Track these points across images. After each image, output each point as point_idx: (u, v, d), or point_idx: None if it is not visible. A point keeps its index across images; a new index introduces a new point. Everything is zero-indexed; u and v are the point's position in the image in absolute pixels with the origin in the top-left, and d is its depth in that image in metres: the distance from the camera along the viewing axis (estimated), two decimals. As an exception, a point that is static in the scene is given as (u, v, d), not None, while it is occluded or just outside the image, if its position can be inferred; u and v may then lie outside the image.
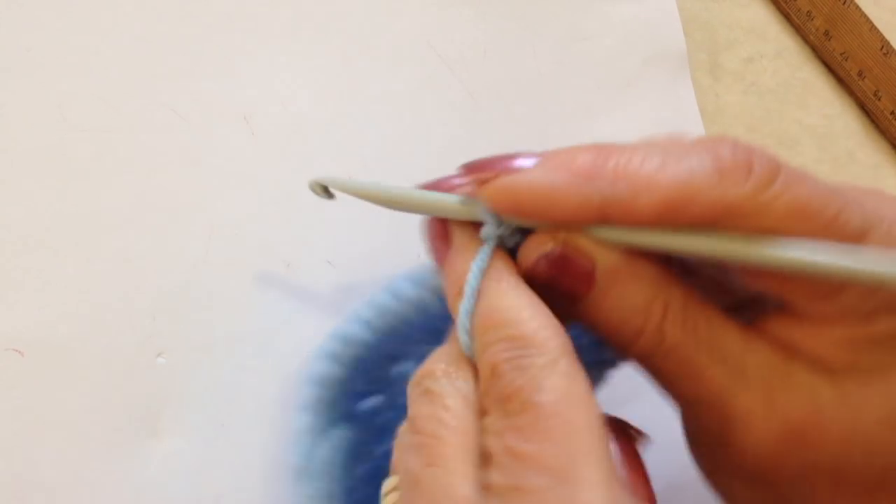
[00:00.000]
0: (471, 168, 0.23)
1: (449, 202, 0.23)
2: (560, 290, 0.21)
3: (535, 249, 0.21)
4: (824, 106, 0.41)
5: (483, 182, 0.21)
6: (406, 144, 0.35)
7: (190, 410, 0.30)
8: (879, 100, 0.40)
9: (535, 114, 0.37)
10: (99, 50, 0.32)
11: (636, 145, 0.21)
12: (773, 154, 0.20)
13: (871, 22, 0.41)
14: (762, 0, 0.41)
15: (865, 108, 0.41)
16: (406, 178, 0.34)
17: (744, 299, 0.23)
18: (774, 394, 0.20)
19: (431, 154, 0.35)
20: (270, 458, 0.31)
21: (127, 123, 0.32)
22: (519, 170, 0.21)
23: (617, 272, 0.21)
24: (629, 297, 0.21)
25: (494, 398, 0.19)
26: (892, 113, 0.40)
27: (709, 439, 0.22)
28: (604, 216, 0.20)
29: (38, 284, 0.30)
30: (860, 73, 0.41)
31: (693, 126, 0.39)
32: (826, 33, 0.41)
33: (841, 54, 0.41)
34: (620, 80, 0.38)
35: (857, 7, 0.41)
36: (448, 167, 0.35)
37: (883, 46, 0.41)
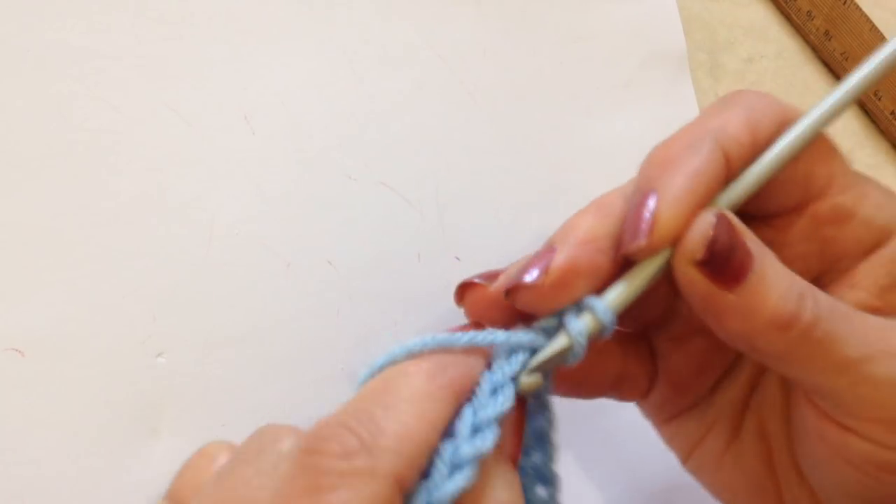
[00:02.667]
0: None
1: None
2: (721, 273, 0.20)
3: (702, 233, 0.20)
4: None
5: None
6: (406, 144, 0.35)
7: (190, 410, 0.30)
8: (879, 100, 0.40)
9: (535, 114, 0.37)
10: (99, 50, 0.32)
11: None
12: None
13: (871, 22, 0.41)
14: (762, 0, 0.41)
15: (865, 108, 0.41)
16: (406, 177, 0.34)
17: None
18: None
19: (431, 154, 0.35)
20: (270, 458, 0.31)
21: (127, 123, 0.32)
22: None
23: (770, 256, 0.20)
24: (784, 282, 0.20)
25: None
26: (892, 113, 0.40)
27: (837, 408, 0.21)
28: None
29: (38, 284, 0.30)
30: (860, 73, 0.41)
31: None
32: (826, 33, 0.41)
33: (841, 54, 0.41)
34: (620, 80, 0.38)
35: (858, 7, 0.41)
36: (448, 167, 0.35)
37: (883, 46, 0.41)
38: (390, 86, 0.35)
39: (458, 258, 0.34)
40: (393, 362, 0.20)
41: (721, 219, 0.20)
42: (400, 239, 0.34)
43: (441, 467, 0.17)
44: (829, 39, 0.41)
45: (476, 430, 0.18)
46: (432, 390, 0.18)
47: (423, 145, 0.35)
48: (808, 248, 0.23)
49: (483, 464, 0.17)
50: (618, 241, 0.21)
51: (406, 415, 0.17)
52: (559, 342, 0.20)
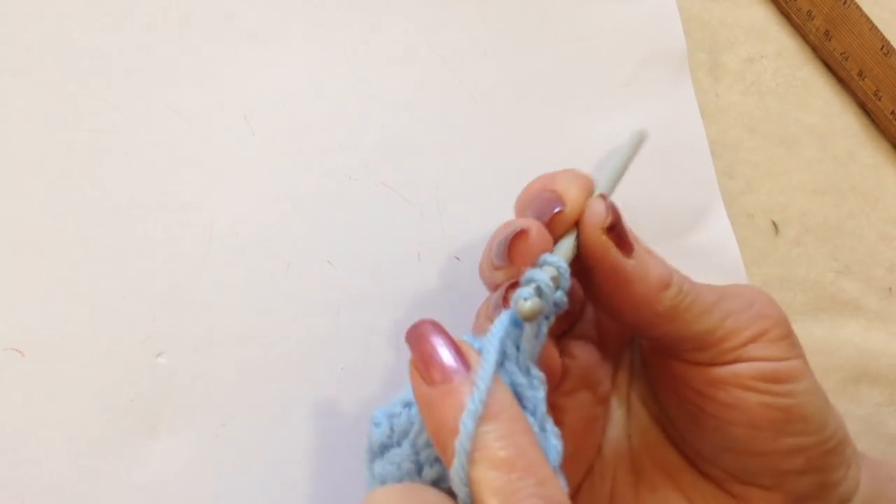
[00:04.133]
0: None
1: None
2: (621, 241, 0.24)
3: (598, 222, 0.24)
4: (824, 106, 0.41)
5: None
6: (406, 144, 0.35)
7: (190, 410, 0.30)
8: (879, 100, 0.40)
9: (535, 114, 0.37)
10: (99, 50, 0.32)
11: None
12: None
13: (871, 22, 0.41)
14: (762, 0, 0.41)
15: (865, 108, 0.41)
16: (406, 177, 0.34)
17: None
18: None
19: (431, 154, 0.35)
20: (270, 457, 0.31)
21: (127, 123, 0.32)
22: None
23: (643, 244, 0.25)
24: (657, 259, 0.25)
25: None
26: (892, 113, 0.40)
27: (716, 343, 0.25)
28: None
29: (38, 284, 0.30)
30: (860, 73, 0.41)
31: (693, 126, 0.39)
32: (826, 33, 0.41)
33: (841, 54, 0.41)
34: (620, 80, 0.38)
35: (858, 7, 0.41)
36: (448, 167, 0.35)
37: (883, 46, 0.41)
38: (390, 86, 0.35)
39: (458, 258, 0.34)
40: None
41: (606, 198, 0.25)
42: (400, 239, 0.34)
43: None
44: (829, 39, 0.41)
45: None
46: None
47: (423, 145, 0.35)
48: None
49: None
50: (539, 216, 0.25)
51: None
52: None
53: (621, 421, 0.28)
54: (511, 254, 0.24)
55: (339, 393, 0.32)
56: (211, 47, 0.34)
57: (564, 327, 0.28)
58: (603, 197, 0.25)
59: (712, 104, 0.39)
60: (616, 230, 0.24)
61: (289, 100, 0.34)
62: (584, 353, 0.27)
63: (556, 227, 0.24)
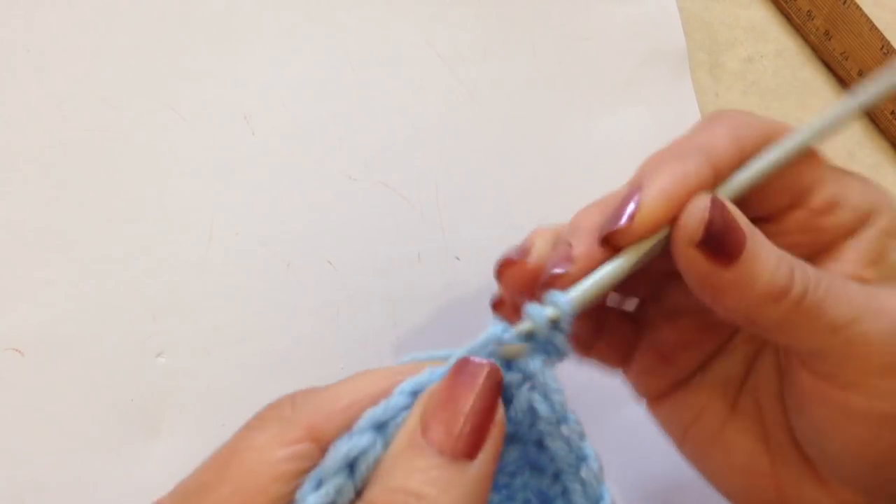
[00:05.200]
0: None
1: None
2: (718, 253, 0.21)
3: (697, 216, 0.21)
4: (824, 106, 0.41)
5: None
6: (406, 144, 0.35)
7: (190, 410, 0.30)
8: (879, 100, 0.40)
9: (535, 114, 0.37)
10: (99, 50, 0.32)
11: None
12: None
13: (871, 22, 0.41)
14: (762, 0, 0.41)
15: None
16: (406, 177, 0.34)
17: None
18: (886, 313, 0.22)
19: (431, 154, 0.35)
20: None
21: (127, 123, 0.32)
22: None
23: (760, 235, 0.22)
24: (774, 258, 0.22)
25: None
26: (892, 113, 0.40)
27: (832, 372, 0.22)
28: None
29: (38, 284, 0.30)
30: (860, 73, 0.41)
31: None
32: (826, 33, 0.41)
33: (841, 54, 0.41)
34: (620, 80, 0.38)
35: (858, 7, 0.41)
36: (448, 167, 0.35)
37: (883, 46, 0.41)
38: (390, 86, 0.35)
39: (457, 258, 0.34)
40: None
41: (715, 201, 0.21)
42: (400, 239, 0.34)
43: (361, 423, 0.19)
44: (829, 39, 0.41)
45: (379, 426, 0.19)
46: (380, 382, 0.20)
47: (423, 145, 0.35)
48: (802, 238, 0.24)
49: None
50: (600, 227, 0.23)
51: (342, 390, 0.20)
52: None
53: (744, 356, 0.26)
54: (500, 276, 0.23)
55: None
56: (211, 47, 0.34)
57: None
58: (710, 199, 0.21)
59: (712, 104, 0.39)
60: (713, 242, 0.21)
61: (289, 100, 0.34)
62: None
63: (617, 241, 0.22)
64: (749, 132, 0.24)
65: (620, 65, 0.38)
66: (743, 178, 0.23)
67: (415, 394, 0.20)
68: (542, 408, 0.21)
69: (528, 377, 0.21)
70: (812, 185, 0.24)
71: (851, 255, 0.24)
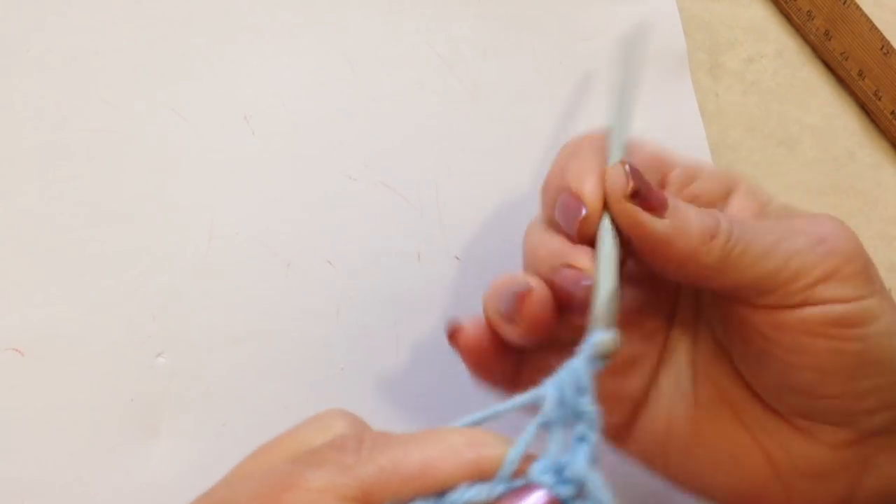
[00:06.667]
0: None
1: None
2: (648, 205, 0.23)
3: (620, 177, 0.23)
4: (824, 106, 0.41)
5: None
6: (406, 144, 0.35)
7: (190, 410, 0.30)
8: (879, 100, 0.40)
9: (535, 114, 0.37)
10: (99, 50, 0.32)
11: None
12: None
13: (871, 22, 0.41)
14: (762, 0, 0.41)
15: (865, 108, 0.41)
16: (406, 177, 0.34)
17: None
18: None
19: (431, 154, 0.35)
20: (270, 458, 0.31)
21: (127, 123, 0.32)
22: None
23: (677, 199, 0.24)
24: (695, 211, 0.24)
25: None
26: (892, 113, 0.40)
27: (770, 296, 0.24)
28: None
29: (38, 284, 0.30)
30: (860, 73, 0.41)
31: (693, 126, 0.39)
32: (826, 33, 0.41)
33: (841, 54, 0.41)
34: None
35: (858, 7, 0.41)
36: (448, 167, 0.35)
37: (883, 46, 0.41)
38: (390, 86, 0.35)
39: (457, 258, 0.34)
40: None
41: (624, 164, 0.23)
42: (400, 239, 0.34)
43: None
44: (829, 39, 0.41)
45: None
46: (449, 457, 0.19)
47: (423, 145, 0.35)
48: None
49: None
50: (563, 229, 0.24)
51: (412, 455, 0.18)
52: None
53: (685, 350, 0.27)
54: (522, 314, 0.23)
55: (339, 393, 0.32)
56: (211, 47, 0.34)
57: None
58: (621, 164, 0.23)
59: (712, 104, 0.39)
60: (641, 194, 0.23)
61: (289, 100, 0.34)
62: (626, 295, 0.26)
63: (586, 229, 0.24)
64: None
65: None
66: (616, 141, 0.25)
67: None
68: None
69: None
70: (666, 171, 0.26)
71: (736, 212, 0.26)
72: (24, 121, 0.31)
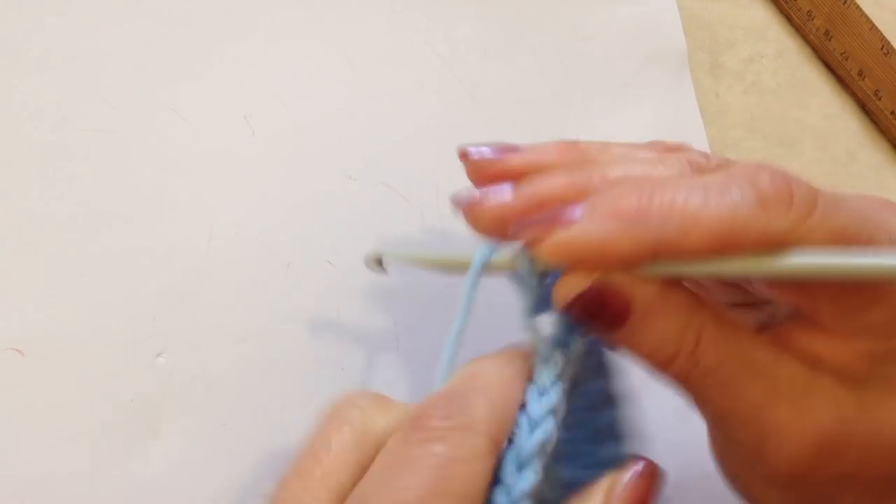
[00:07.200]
0: (523, 223, 0.23)
1: (497, 258, 0.24)
2: (595, 322, 0.21)
3: (571, 290, 0.21)
4: (824, 106, 0.41)
5: (534, 239, 0.22)
6: (406, 144, 0.35)
7: (190, 410, 0.30)
8: (879, 100, 0.40)
9: (535, 114, 0.37)
10: (99, 50, 0.32)
11: (673, 181, 0.21)
12: (808, 182, 0.21)
13: (871, 22, 0.41)
14: (762, 0, 0.41)
15: (865, 108, 0.41)
16: (406, 177, 0.34)
17: (768, 312, 0.25)
18: (805, 406, 0.21)
19: (431, 154, 0.35)
20: (271, 457, 0.31)
21: (127, 123, 0.32)
22: (569, 222, 0.21)
23: (652, 305, 0.21)
24: (662, 328, 0.21)
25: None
26: (892, 113, 0.40)
27: (742, 452, 0.22)
28: (655, 255, 0.20)
29: (38, 284, 0.30)
30: (860, 73, 0.41)
31: (693, 126, 0.39)
32: (826, 33, 0.41)
33: (841, 54, 0.41)
34: (620, 80, 0.38)
35: (858, 7, 0.41)
36: (448, 167, 0.35)
37: (883, 46, 0.41)
38: (390, 86, 0.35)
39: (458, 258, 0.34)
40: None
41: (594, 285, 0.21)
42: (400, 239, 0.34)
43: (524, 424, 0.20)
44: (829, 39, 0.41)
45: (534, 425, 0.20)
46: (504, 377, 0.21)
47: (423, 145, 0.35)
48: None
49: None
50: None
51: (492, 392, 0.20)
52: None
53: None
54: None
55: (339, 393, 0.32)
56: (211, 47, 0.34)
57: None
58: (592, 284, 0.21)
59: (712, 104, 0.39)
60: (584, 315, 0.21)
61: (289, 100, 0.34)
62: None
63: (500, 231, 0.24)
64: None
65: (620, 65, 0.38)
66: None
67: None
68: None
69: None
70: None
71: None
72: (24, 121, 0.31)
